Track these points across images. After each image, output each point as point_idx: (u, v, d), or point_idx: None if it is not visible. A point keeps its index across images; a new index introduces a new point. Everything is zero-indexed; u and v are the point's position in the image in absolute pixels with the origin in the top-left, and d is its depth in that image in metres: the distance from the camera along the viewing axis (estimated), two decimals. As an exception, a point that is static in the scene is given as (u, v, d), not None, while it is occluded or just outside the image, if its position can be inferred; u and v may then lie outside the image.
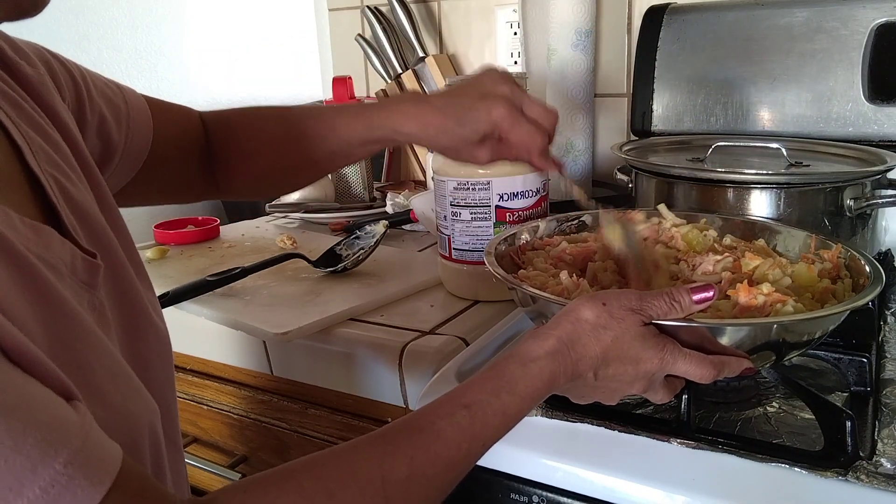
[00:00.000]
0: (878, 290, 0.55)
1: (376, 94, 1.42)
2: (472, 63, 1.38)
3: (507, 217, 0.81)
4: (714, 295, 0.51)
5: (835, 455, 0.50)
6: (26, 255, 0.36)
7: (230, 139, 0.72)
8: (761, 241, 0.70)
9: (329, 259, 0.96)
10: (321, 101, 1.73)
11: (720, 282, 0.61)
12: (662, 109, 1.06)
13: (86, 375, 0.37)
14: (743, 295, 0.55)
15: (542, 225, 0.77)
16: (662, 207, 0.76)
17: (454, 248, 0.84)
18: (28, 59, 0.50)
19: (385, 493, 0.39)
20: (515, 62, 1.31)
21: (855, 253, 0.63)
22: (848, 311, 0.53)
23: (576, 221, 0.78)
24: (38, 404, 0.30)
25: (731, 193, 0.80)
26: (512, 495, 0.56)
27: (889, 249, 0.88)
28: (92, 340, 0.39)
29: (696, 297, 0.50)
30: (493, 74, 0.69)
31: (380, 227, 0.97)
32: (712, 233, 0.71)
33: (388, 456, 0.41)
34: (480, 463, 0.45)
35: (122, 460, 0.32)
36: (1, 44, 0.48)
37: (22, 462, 0.28)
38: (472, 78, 0.70)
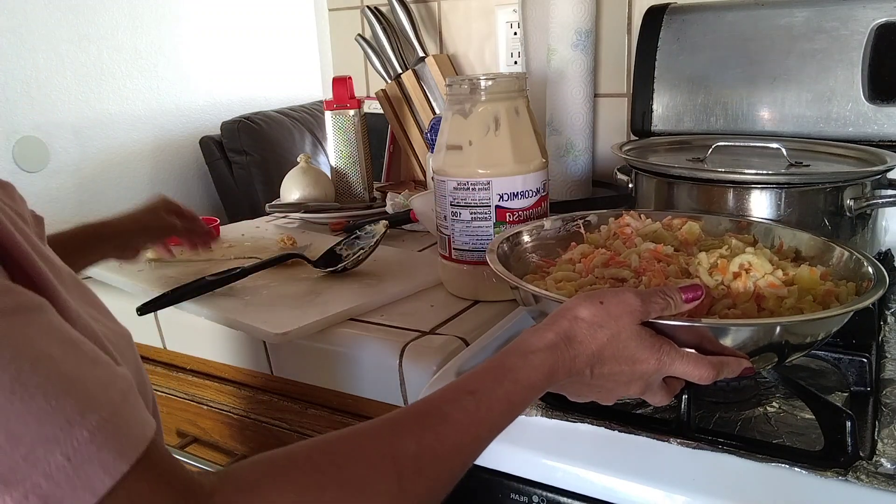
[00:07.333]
0: (882, 291, 0.55)
1: (376, 93, 1.42)
2: (473, 63, 1.38)
3: (507, 217, 0.81)
4: (702, 294, 0.52)
5: (835, 455, 0.50)
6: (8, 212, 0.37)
7: None
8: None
9: (329, 259, 0.96)
10: (321, 101, 1.73)
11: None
12: (662, 109, 1.06)
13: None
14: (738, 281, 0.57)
15: (548, 224, 0.77)
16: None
17: (454, 248, 0.84)
18: None
19: (397, 468, 0.39)
20: (515, 62, 1.31)
21: (858, 254, 0.63)
22: (851, 313, 0.53)
23: (581, 221, 0.78)
24: (94, 355, 0.33)
25: (731, 193, 0.79)
26: (512, 495, 0.56)
27: (889, 249, 0.88)
28: (82, 291, 0.40)
29: (686, 296, 0.52)
30: None
31: (380, 227, 0.97)
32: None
33: (396, 436, 0.41)
34: (480, 463, 0.45)
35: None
36: None
37: (71, 405, 0.30)
38: None
